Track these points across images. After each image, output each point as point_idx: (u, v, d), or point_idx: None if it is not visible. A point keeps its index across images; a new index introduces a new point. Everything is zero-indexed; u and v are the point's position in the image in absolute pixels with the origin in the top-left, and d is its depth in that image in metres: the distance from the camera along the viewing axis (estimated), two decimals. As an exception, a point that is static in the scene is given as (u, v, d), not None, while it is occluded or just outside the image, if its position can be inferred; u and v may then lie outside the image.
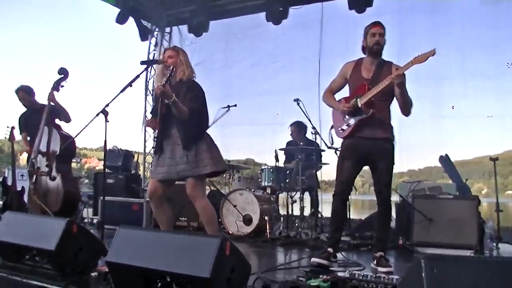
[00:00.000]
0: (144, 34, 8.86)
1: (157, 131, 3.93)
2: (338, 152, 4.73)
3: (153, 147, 3.97)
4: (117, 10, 8.24)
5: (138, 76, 3.67)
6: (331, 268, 3.46)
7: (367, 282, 2.66)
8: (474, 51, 6.93)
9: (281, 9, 7.56)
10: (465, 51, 6.88)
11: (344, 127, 3.78)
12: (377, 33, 3.66)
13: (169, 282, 2.34)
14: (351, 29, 7.34)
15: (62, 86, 5.06)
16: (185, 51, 4.04)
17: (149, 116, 4.31)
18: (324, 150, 5.98)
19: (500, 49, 6.82)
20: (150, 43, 9.12)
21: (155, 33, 9.15)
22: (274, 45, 8.40)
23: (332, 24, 7.81)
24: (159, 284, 2.36)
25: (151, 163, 8.10)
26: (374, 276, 2.70)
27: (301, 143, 6.25)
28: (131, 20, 8.45)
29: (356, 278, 2.69)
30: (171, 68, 3.66)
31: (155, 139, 3.98)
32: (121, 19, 8.24)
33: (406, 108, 3.63)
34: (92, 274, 2.72)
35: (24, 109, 5.52)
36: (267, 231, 5.39)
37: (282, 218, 5.92)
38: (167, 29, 9.25)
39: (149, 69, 8.15)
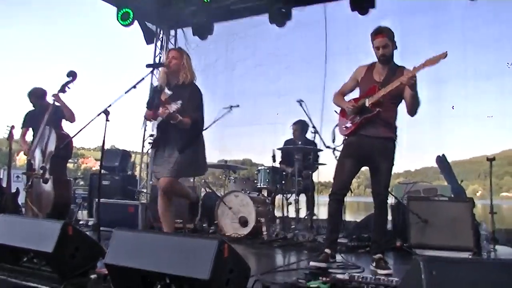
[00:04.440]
0: (149, 37, 8.88)
1: (155, 130, 4.16)
2: (336, 152, 4.73)
3: (149, 143, 4.17)
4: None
5: (143, 79, 3.79)
6: (330, 270, 3.45)
7: (367, 284, 2.67)
8: (475, 51, 6.95)
9: (283, 10, 7.56)
10: (465, 51, 6.89)
11: (348, 124, 3.80)
12: (380, 46, 3.66)
13: (168, 283, 2.33)
14: (353, 31, 7.39)
15: (69, 88, 5.18)
16: (188, 54, 4.21)
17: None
18: (322, 150, 5.98)
19: (500, 49, 6.84)
20: (156, 46, 9.13)
21: (160, 36, 9.16)
22: (276, 46, 8.42)
23: (335, 25, 7.82)
24: (158, 286, 2.36)
25: (147, 163, 8.12)
26: (373, 278, 2.70)
27: (299, 142, 6.27)
28: (136, 23, 8.47)
29: (355, 280, 2.69)
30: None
31: (153, 136, 4.20)
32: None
33: (413, 109, 3.66)
34: (91, 276, 2.71)
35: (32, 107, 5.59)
36: (264, 233, 5.38)
37: (278, 220, 5.90)
38: (172, 32, 9.27)
39: (154, 71, 8.12)
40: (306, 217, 5.97)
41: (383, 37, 3.65)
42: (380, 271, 3.40)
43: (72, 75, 5.16)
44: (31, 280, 2.67)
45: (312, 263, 3.54)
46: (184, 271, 2.23)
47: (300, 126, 6.43)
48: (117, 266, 2.44)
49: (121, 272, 2.44)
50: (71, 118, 5.28)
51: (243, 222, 5.50)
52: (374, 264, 3.59)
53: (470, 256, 4.17)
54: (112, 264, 2.45)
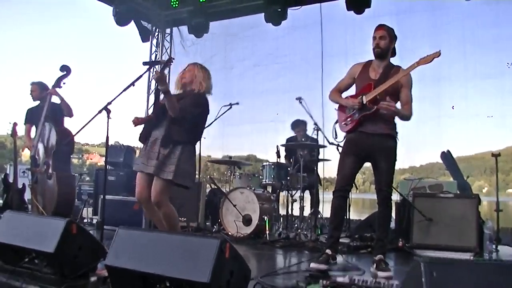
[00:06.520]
0: (145, 35, 8.90)
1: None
2: (340, 148, 4.73)
3: (140, 134, 3.83)
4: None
5: (140, 77, 3.71)
6: (330, 273, 3.44)
7: (367, 288, 2.65)
8: (474, 51, 6.97)
9: (279, 10, 7.55)
10: (465, 51, 6.92)
11: (348, 121, 3.80)
12: (377, 36, 3.71)
13: (169, 286, 2.34)
14: (350, 30, 7.45)
15: (64, 83, 5.10)
16: (207, 69, 3.99)
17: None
18: (325, 146, 5.97)
19: (500, 48, 6.85)
20: (151, 43, 9.17)
21: (156, 34, 9.19)
22: (274, 45, 8.47)
23: (331, 25, 7.88)
24: (158, 288, 2.36)
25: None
26: (373, 281, 2.69)
27: (303, 139, 6.26)
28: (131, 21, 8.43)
29: (355, 283, 2.68)
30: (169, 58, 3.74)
31: (144, 127, 3.86)
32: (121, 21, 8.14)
33: (403, 120, 3.73)
34: (91, 278, 2.71)
35: (33, 104, 5.52)
36: (267, 232, 5.34)
37: (281, 218, 5.89)
38: (168, 30, 9.29)
39: (151, 69, 8.15)
40: (309, 216, 5.95)
41: (383, 30, 3.72)
42: (380, 274, 3.37)
43: (66, 69, 5.09)
44: (31, 282, 2.67)
45: (312, 265, 3.53)
46: (184, 273, 2.22)
47: (303, 127, 6.47)
48: (117, 268, 2.43)
49: (121, 274, 2.43)
50: (70, 113, 5.18)
51: (247, 221, 5.48)
52: (374, 265, 3.56)
53: (471, 257, 4.13)
54: (112, 266, 2.45)
